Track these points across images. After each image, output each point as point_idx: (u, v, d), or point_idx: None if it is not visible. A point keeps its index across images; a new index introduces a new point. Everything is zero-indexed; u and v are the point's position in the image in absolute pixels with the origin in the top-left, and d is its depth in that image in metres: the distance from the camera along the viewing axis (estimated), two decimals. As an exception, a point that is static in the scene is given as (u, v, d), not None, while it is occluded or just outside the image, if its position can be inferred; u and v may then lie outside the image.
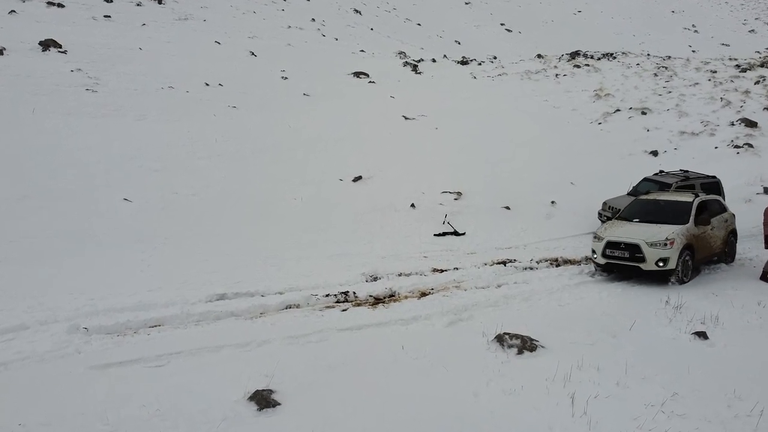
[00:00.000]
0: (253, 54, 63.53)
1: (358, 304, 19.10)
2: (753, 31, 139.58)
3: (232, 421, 11.27)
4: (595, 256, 22.77)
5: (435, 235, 28.33)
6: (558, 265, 24.39)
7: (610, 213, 29.20)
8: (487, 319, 17.30)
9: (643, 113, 52.42)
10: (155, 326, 16.48)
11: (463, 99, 57.20)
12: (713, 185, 30.22)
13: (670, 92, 58.11)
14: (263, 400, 11.89)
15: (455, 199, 33.20)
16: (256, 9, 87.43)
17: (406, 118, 49.08)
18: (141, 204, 27.75)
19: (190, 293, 18.82)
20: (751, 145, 43.40)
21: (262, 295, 19.26)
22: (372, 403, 12.12)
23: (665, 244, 21.53)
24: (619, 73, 66.46)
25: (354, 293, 19.96)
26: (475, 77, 68.83)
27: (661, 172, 32.28)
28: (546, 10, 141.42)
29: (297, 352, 14.84)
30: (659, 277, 21.91)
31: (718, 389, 12.92)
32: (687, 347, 15.63)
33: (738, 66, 65.97)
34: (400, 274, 22.29)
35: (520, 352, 14.70)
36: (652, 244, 21.62)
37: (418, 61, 75.98)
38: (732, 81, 59.90)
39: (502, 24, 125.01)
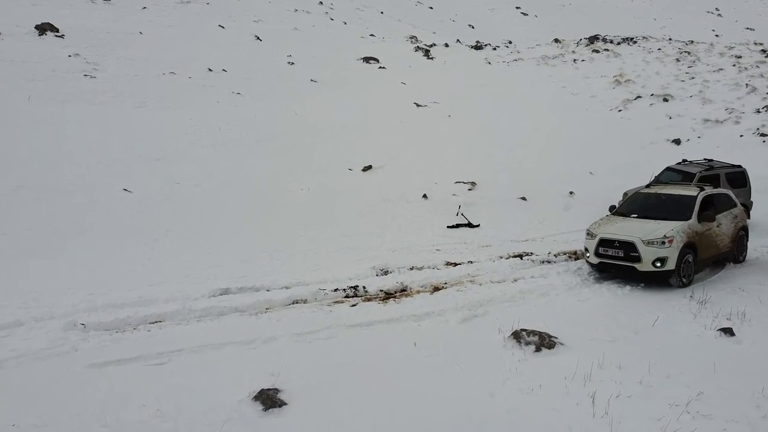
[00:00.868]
0: (258, 38, 63.56)
1: (368, 299, 18.99)
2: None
3: (236, 422, 11.19)
4: (588, 255, 21.72)
5: (448, 227, 28.19)
6: (577, 259, 24.07)
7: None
8: (503, 315, 17.19)
9: (665, 100, 52.25)
10: (156, 322, 16.41)
11: (477, 85, 57.11)
12: (739, 175, 30.03)
13: (693, 78, 57.88)
14: (269, 399, 11.82)
15: (469, 189, 33.10)
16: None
17: (417, 105, 49.04)
18: (141, 195, 27.72)
19: (193, 288, 18.75)
20: (777, 134, 43.23)
21: (268, 290, 19.17)
22: (383, 402, 12.04)
23: (663, 242, 20.20)
24: (640, 59, 66.18)
25: (364, 288, 19.84)
26: (489, 63, 68.69)
27: (684, 161, 32.05)
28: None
29: (304, 349, 14.77)
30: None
31: (746, 388, 12.76)
32: (712, 344, 15.47)
33: (764, 51, 65.60)
34: (411, 268, 22.15)
35: (537, 349, 14.60)
36: (648, 242, 20.27)
37: (430, 45, 75.86)
38: (757, 66, 59.57)
39: (517, 7, 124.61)
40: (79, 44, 47.02)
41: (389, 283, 20.41)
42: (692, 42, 76.25)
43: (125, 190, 27.78)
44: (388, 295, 19.45)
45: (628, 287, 20.21)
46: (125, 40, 51.00)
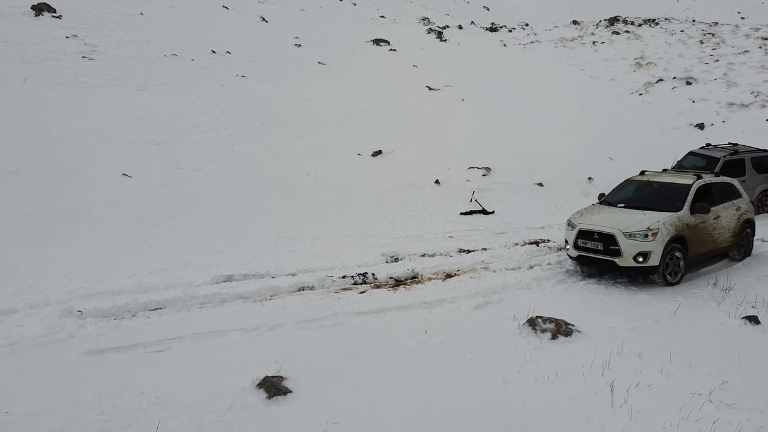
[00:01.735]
0: (264, 20, 63.49)
1: (378, 287, 19.00)
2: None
3: (239, 410, 11.19)
4: (568, 247, 20.89)
5: (461, 213, 28.14)
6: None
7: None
8: (519, 303, 17.21)
9: (688, 83, 52.05)
10: (156, 309, 16.39)
11: (491, 68, 57.07)
12: (765, 160, 29.95)
13: (717, 60, 57.63)
14: (273, 387, 11.82)
15: (483, 175, 33.03)
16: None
17: (430, 89, 49.00)
18: (142, 180, 27.67)
19: (195, 275, 18.78)
20: (806, 118, 43.07)
21: (273, 277, 19.16)
22: (392, 391, 12.05)
23: (646, 236, 19.11)
24: (662, 40, 65.97)
25: (373, 275, 19.83)
26: (505, 45, 68.61)
27: (707, 145, 31.97)
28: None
29: (310, 337, 14.78)
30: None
31: (771, 378, 12.74)
32: (737, 332, 15.50)
33: (792, 32, 65.51)
34: (423, 255, 22.17)
35: (554, 336, 14.62)
36: (629, 235, 19.23)
37: (443, 27, 75.74)
38: (785, 48, 59.40)
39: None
40: (77, 25, 47.01)
41: (399, 270, 20.38)
42: (716, 23, 76.02)
43: (125, 174, 27.73)
44: (398, 283, 19.48)
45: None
46: (125, 21, 51.00)
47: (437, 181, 31.34)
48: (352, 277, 19.52)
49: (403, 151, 35.22)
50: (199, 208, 25.75)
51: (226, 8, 64.36)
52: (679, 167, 30.13)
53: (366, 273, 19.82)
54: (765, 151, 30.61)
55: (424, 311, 16.71)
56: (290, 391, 11.81)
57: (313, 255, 21.45)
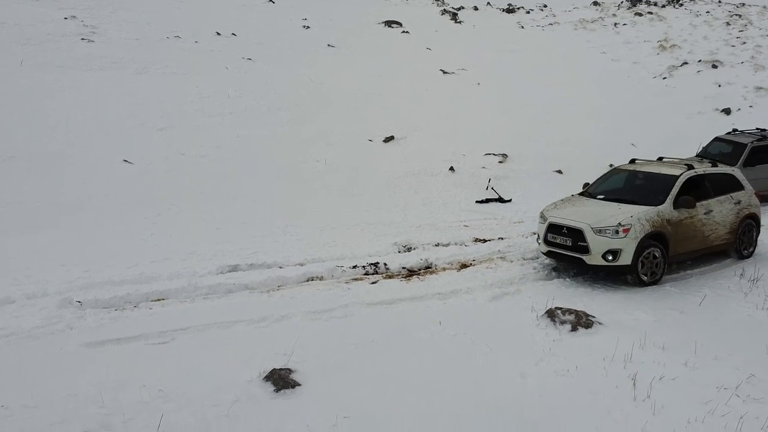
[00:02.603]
0: (270, 0, 63.40)
1: (390, 277, 19.03)
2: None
3: (246, 403, 11.19)
4: (539, 241, 20.14)
5: (477, 201, 28.06)
6: (618, 234, 24.00)
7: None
8: (537, 293, 17.23)
9: (714, 66, 51.92)
10: (158, 300, 16.43)
11: (508, 51, 57.01)
12: (792, 145, 29.81)
13: (744, 43, 57.50)
14: (281, 380, 11.82)
15: (500, 162, 32.95)
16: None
17: (444, 73, 48.96)
18: (143, 166, 27.71)
19: (199, 264, 18.79)
20: (837, 102, 42.94)
21: (280, 267, 19.18)
22: (404, 384, 12.03)
23: (616, 231, 18.17)
24: (687, 22, 65.87)
25: (385, 265, 19.84)
26: (522, 27, 68.59)
27: (734, 130, 31.82)
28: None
29: (319, 328, 14.80)
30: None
31: (802, 371, 12.69)
32: (764, 324, 15.46)
33: (823, 13, 65.33)
34: (437, 245, 22.17)
35: (574, 328, 14.60)
36: (599, 231, 18.33)
37: (458, 8, 75.75)
38: (816, 30, 59.26)
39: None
40: (75, 6, 47.16)
41: (412, 259, 20.41)
42: (743, 4, 75.79)
43: (126, 161, 27.76)
44: (411, 273, 19.52)
45: (674, 264, 20.07)
46: (126, 2, 51.17)
47: (452, 168, 31.27)
48: (363, 267, 19.54)
49: (416, 136, 35.19)
50: (203, 196, 25.74)
51: (231, -12, 64.44)
52: (705, 154, 30.02)
53: (377, 263, 19.82)
54: (795, 136, 30.43)
55: (438, 302, 16.73)
56: (299, 384, 11.79)
57: (322, 244, 21.44)
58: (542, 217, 20.17)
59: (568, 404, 11.41)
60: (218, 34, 49.22)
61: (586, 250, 18.50)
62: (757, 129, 31.60)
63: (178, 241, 20.92)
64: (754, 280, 18.32)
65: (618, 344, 13.53)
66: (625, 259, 18.23)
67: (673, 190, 19.47)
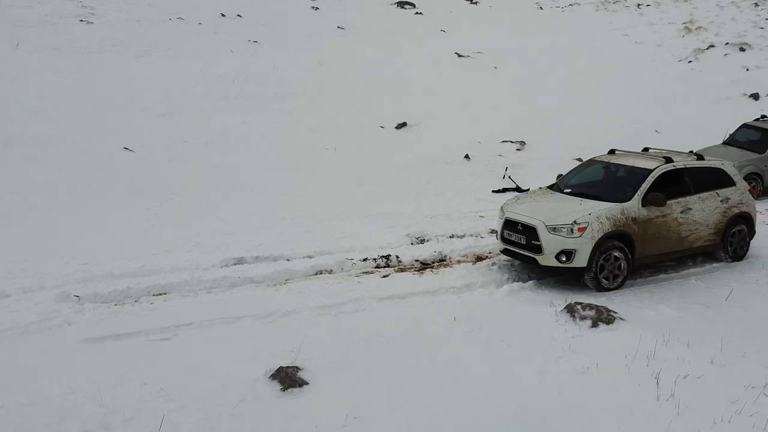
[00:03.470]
0: (277, -20, 63.47)
1: (402, 270, 19.03)
2: None
3: (251, 403, 11.20)
4: (498, 238, 19.47)
5: (493, 191, 28.03)
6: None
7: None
8: (556, 288, 17.34)
9: (742, 50, 51.67)
10: (160, 294, 16.51)
11: (526, 34, 56.77)
12: (827, 133, 29.69)
13: (774, 25, 57.28)
14: (288, 378, 11.82)
15: (517, 149, 32.90)
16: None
17: (459, 56, 48.86)
18: (144, 154, 27.73)
19: (203, 257, 18.84)
20: None
21: (288, 259, 19.20)
22: (416, 383, 12.03)
23: (571, 230, 17.42)
24: (713, 3, 65.48)
25: (397, 257, 19.86)
26: (541, 8, 68.32)
27: (762, 117, 31.75)
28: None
29: (328, 324, 14.82)
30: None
31: (834, 369, 12.65)
32: (796, 320, 15.42)
33: None
34: (451, 236, 22.15)
35: (594, 324, 14.54)
36: (553, 229, 17.60)
37: (474, -12, 75.57)
38: None
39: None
40: (74, -14, 47.22)
41: (426, 252, 20.41)
42: (774, -16, 75.64)
43: (126, 148, 27.80)
44: (424, 266, 19.52)
45: (699, 257, 20.03)
46: (126, -19, 51.16)
47: (467, 156, 31.21)
48: (374, 259, 19.58)
49: (430, 123, 35.12)
50: (207, 185, 25.75)
51: (237, -33, 64.44)
52: (732, 141, 29.95)
53: (389, 255, 19.85)
54: (827, 123, 30.31)
55: (453, 297, 16.77)
56: (306, 383, 11.81)
57: (331, 236, 21.44)
58: (501, 211, 19.56)
59: (588, 403, 11.36)
60: (223, 15, 49.24)
61: (539, 249, 17.82)
62: (788, 115, 31.54)
63: (180, 232, 20.94)
64: (784, 273, 18.33)
65: (641, 341, 13.46)
66: (580, 260, 17.54)
67: (644, 185, 18.53)
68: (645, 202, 18.25)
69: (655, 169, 18.93)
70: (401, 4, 62.95)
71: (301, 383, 11.76)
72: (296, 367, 12.15)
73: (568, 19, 63.56)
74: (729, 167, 21.14)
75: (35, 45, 36.08)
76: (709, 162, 20.68)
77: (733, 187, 20.55)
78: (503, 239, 18.98)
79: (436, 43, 51.39)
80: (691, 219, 19.24)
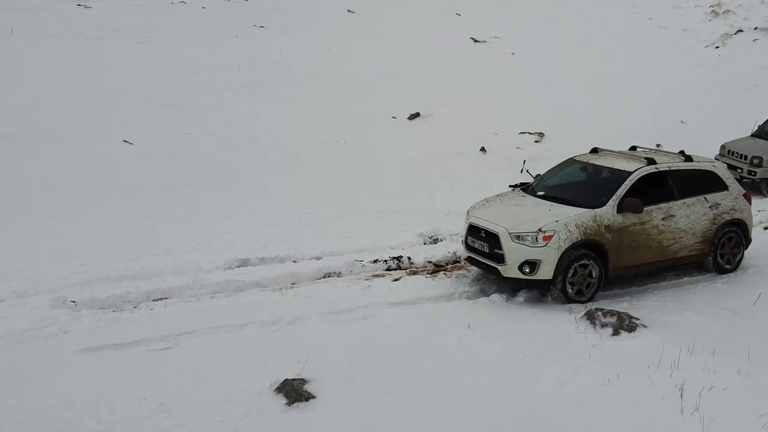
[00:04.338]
0: (284, -39, 63.45)
1: (414, 272, 18.98)
2: None
3: (255, 418, 11.19)
4: (463, 245, 18.84)
5: (511, 186, 27.87)
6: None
7: (730, 159, 28.39)
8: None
9: (773, 34, 51.67)
10: (160, 299, 16.52)
11: (545, 17, 56.65)
12: None
13: (808, 7, 57.08)
14: (294, 391, 11.83)
15: (536, 141, 32.90)
16: None
17: (475, 41, 48.80)
18: (145, 147, 27.79)
19: (205, 258, 18.80)
20: None
21: (294, 261, 19.19)
22: (429, 395, 12.01)
23: (536, 239, 16.59)
24: (743, -16, 65.48)
25: (409, 259, 19.84)
26: (561, -10, 68.29)
27: (795, 106, 31.69)
28: None
29: (337, 331, 14.82)
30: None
31: None
32: (829, 326, 15.39)
33: None
34: (466, 235, 22.02)
35: (615, 332, 14.54)
36: (517, 237, 16.75)
37: (491, -31, 75.42)
38: None
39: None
40: (71, -32, 47.23)
41: (439, 252, 20.42)
42: (806, -36, 75.37)
43: (126, 141, 27.86)
44: (437, 268, 19.53)
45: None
46: (126, -37, 51.18)
47: (483, 149, 31.22)
48: (385, 261, 19.57)
49: (444, 113, 35.10)
50: (210, 180, 25.77)
51: (242, -52, 64.43)
52: (761, 132, 29.84)
53: (401, 256, 19.85)
54: None
55: (468, 302, 16.80)
56: (313, 396, 11.80)
57: (339, 235, 21.38)
58: (467, 215, 18.77)
59: (608, 417, 11.37)
60: (227, -2, 49.39)
61: (502, 259, 16.96)
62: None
63: (182, 230, 20.94)
64: (817, 276, 18.28)
65: (664, 349, 13.41)
66: (545, 272, 16.70)
67: (620, 190, 17.65)
68: (620, 208, 17.40)
69: (634, 171, 18.09)
70: (414, -14, 62.94)
71: (308, 397, 11.76)
72: (302, 380, 12.18)
73: (589, 2, 63.43)
74: (721, 169, 20.17)
75: (31, 31, 36.13)
76: (697, 164, 19.78)
77: (725, 192, 19.55)
78: (467, 246, 18.32)
79: (451, 28, 51.30)
80: (674, 227, 18.35)
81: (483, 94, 37.99)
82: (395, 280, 18.26)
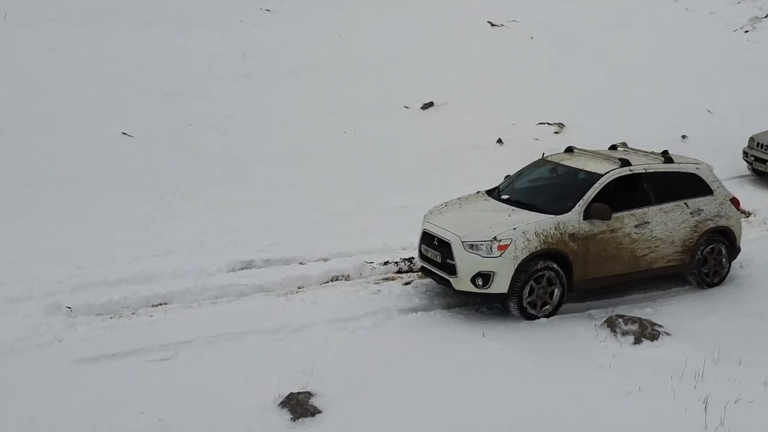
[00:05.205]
0: (292, -60, 63.39)
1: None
2: None
3: (259, 435, 11.15)
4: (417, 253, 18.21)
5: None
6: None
7: (759, 152, 28.19)
8: (596, 297, 17.24)
9: (807, 17, 51.56)
10: (160, 305, 16.51)
11: (566, 0, 56.66)
12: None
13: (841, -12, 56.90)
14: (299, 406, 11.82)
15: (555, 132, 32.81)
16: None
17: (492, 25, 48.63)
18: (144, 139, 27.81)
19: (207, 259, 18.77)
20: None
21: (301, 263, 19.17)
22: (442, 409, 12.00)
23: (490, 248, 15.83)
24: (773, -36, 65.31)
25: (421, 260, 19.69)
26: (583, -29, 68.17)
27: (829, 96, 31.58)
28: None
29: (345, 340, 14.78)
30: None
31: None
32: None
33: None
34: (482, 234, 21.98)
35: (637, 341, 14.55)
36: (470, 246, 16.04)
37: (508, -52, 75.28)
38: None
39: None
40: (66, -52, 47.21)
41: (453, 254, 20.26)
42: (841, -58, 75.12)
43: (124, 133, 27.86)
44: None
45: (757, 257, 19.88)
46: (125, -57, 51.15)
47: (500, 141, 31.16)
48: (396, 263, 19.50)
49: (459, 102, 34.96)
50: (213, 175, 25.82)
51: (246, -74, 64.35)
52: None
53: (412, 258, 19.59)
54: None
55: (482, 308, 16.73)
56: (319, 411, 11.79)
57: (348, 234, 21.34)
58: (423, 220, 18.12)
59: (629, 431, 11.35)
60: (232, -20, 49.29)
61: (454, 270, 16.27)
62: None
63: (183, 229, 21.01)
64: None
65: (688, 359, 13.41)
66: (500, 285, 15.93)
67: (588, 194, 16.93)
68: (587, 214, 16.69)
69: (604, 174, 17.36)
70: (428, -33, 62.81)
71: (314, 411, 11.74)
72: (308, 393, 12.17)
73: (613, -18, 63.40)
74: (705, 172, 19.22)
75: (25, 16, 35.99)
76: (678, 166, 18.95)
77: (709, 197, 18.78)
78: (420, 255, 17.70)
79: (466, 11, 51.04)
80: (649, 235, 17.62)
81: (500, 81, 37.81)
82: (406, 283, 18.17)
